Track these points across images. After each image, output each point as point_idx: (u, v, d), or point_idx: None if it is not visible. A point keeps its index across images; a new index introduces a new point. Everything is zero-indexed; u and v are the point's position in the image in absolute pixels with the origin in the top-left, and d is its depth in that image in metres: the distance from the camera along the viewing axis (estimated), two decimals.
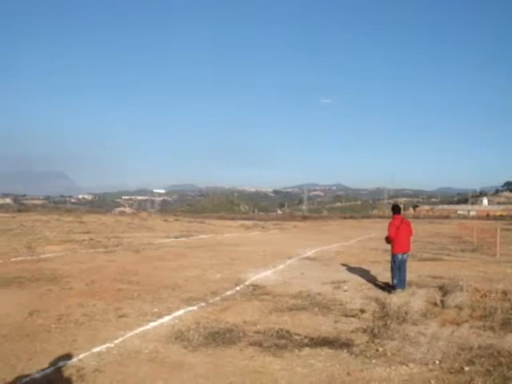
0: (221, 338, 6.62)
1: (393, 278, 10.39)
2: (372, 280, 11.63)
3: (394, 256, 10.42)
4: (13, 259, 12.92)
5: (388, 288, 10.49)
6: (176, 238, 22.94)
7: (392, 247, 10.49)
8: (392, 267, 10.46)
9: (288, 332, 6.98)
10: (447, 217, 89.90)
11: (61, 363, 5.41)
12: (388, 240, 10.50)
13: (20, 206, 72.46)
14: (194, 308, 8.35)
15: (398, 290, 10.09)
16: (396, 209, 10.83)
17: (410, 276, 11.77)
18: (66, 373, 5.16)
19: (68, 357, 5.63)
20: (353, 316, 8.01)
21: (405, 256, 10.45)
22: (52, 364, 5.38)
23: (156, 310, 8.13)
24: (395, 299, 8.64)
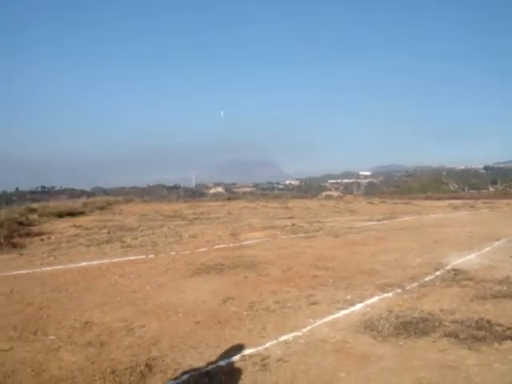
0: (413, 327, 6.09)
1: None
2: None
3: None
4: (216, 246, 13.71)
5: None
6: (378, 220, 22.25)
7: None
8: None
9: (489, 322, 6.14)
10: None
11: (247, 351, 5.49)
12: None
13: (230, 194, 77.98)
14: (389, 295, 7.87)
15: None
16: None
17: None
18: (250, 361, 5.20)
19: (255, 345, 5.70)
20: None
21: None
22: (238, 352, 5.48)
23: (349, 297, 7.85)
24: None
